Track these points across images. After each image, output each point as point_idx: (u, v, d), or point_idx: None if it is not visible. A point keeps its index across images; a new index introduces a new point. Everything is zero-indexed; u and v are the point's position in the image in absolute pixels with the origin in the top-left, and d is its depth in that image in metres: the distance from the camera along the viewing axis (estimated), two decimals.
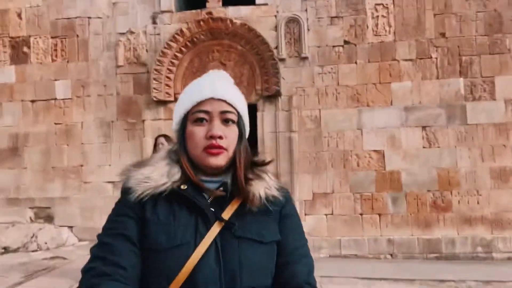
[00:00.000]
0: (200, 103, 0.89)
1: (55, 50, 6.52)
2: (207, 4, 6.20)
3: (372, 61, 5.91)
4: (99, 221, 5.91)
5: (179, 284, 0.79)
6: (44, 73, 6.52)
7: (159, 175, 0.86)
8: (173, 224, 0.84)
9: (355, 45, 5.95)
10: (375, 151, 5.86)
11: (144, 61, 6.25)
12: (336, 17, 5.99)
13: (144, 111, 6.19)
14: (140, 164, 0.92)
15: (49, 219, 6.40)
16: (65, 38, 6.50)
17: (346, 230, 5.84)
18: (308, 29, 6.02)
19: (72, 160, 6.39)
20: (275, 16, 6.07)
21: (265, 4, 6.09)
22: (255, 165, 0.96)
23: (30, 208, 6.44)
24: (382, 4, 5.92)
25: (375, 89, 5.89)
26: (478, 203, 5.64)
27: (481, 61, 5.72)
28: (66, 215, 6.33)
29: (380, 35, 5.92)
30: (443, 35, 5.81)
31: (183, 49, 6.12)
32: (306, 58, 5.99)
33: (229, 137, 0.89)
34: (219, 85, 0.92)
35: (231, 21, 5.97)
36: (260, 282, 0.86)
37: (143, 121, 6.18)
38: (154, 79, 6.03)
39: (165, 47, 6.02)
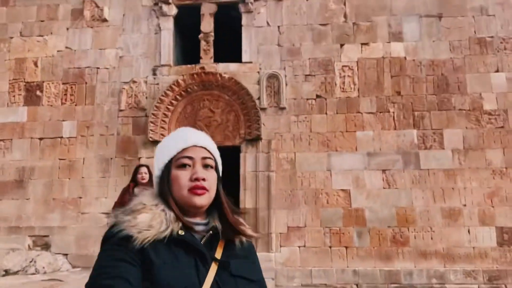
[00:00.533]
0: (184, 150, 0.98)
1: (65, 94, 7.42)
2: (201, 60, 7.25)
3: (340, 113, 6.90)
4: (93, 249, 6.55)
5: None
6: (53, 114, 7.37)
7: (159, 223, 0.90)
8: (178, 267, 0.88)
9: (325, 98, 6.97)
10: (342, 190, 6.69)
11: (144, 106, 7.16)
12: (309, 75, 7.05)
13: (140, 149, 7.00)
14: (132, 210, 0.93)
15: (46, 246, 6.96)
16: (75, 84, 7.44)
17: (316, 261, 6.51)
18: (286, 84, 7.05)
19: (72, 192, 7.07)
20: (258, 72, 7.12)
21: (250, 62, 7.16)
22: (234, 212, 1.05)
23: (29, 236, 7.00)
24: (348, 66, 7.02)
25: (342, 137, 6.83)
26: (431, 238, 6.40)
27: (431, 116, 6.75)
28: (63, 243, 6.90)
29: (346, 91, 6.96)
30: (398, 93, 6.88)
31: (178, 97, 7.07)
32: (284, 108, 6.96)
33: (209, 180, 0.97)
34: (199, 135, 1.04)
35: (220, 75, 6.99)
36: None
37: (139, 158, 6.96)
38: (151, 122, 6.91)
39: (162, 95, 6.97)
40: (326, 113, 6.92)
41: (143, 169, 4.45)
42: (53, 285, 5.44)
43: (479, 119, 6.69)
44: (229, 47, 7.34)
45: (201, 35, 7.30)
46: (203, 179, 0.95)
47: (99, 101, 7.34)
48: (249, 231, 1.05)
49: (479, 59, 6.83)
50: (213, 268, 0.92)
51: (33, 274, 6.08)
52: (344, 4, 7.18)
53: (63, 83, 7.46)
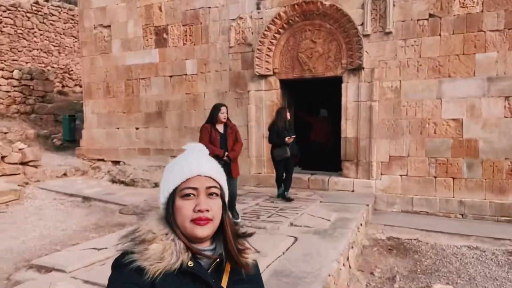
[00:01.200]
0: (188, 180, 0.96)
1: (185, 35, 8.37)
2: None
3: (457, 33, 6.15)
4: None
5: None
6: (178, 54, 8.49)
7: (170, 254, 0.91)
8: None
9: (440, 17, 6.24)
10: (453, 119, 6.26)
11: (250, 42, 7.62)
12: None
13: (249, 83, 7.66)
14: (143, 240, 0.93)
15: None
16: (192, 25, 8.28)
17: (419, 190, 6.52)
18: (394, 5, 6.50)
19: (197, 121, 8.32)
20: None
21: None
22: (238, 237, 1.05)
23: (170, 156, 8.72)
24: None
25: (458, 60, 6.17)
26: None
27: None
28: None
29: (467, 7, 6.07)
30: None
31: (280, 30, 7.28)
32: (390, 32, 6.55)
33: (213, 209, 0.97)
34: (204, 163, 1.01)
35: (321, 2, 6.84)
36: None
37: (248, 91, 7.67)
38: (256, 57, 7.38)
39: (265, 30, 7.27)
40: (440, 35, 6.26)
41: (224, 109, 4.72)
42: None
43: None
44: None
45: None
46: (207, 210, 0.95)
47: (212, 39, 8.08)
48: (250, 260, 1.03)
49: None
50: None
51: None
52: None
53: (183, 25, 8.38)
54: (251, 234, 1.08)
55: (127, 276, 0.88)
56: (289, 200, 6.12)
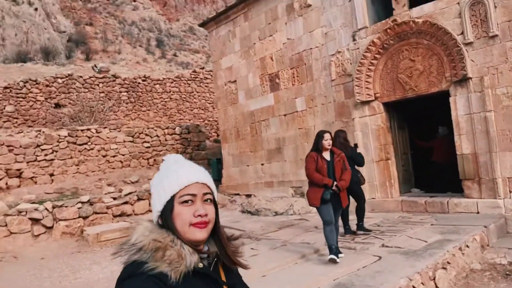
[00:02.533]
0: (186, 187, 1.03)
1: (293, 77, 9.28)
2: (394, 11, 7.22)
3: None
4: None
5: None
6: (288, 94, 9.42)
7: (184, 257, 0.97)
8: None
9: None
10: None
11: (350, 72, 7.96)
12: None
13: (352, 111, 7.91)
14: (152, 248, 0.96)
15: (302, 195, 9.20)
16: (298, 67, 9.15)
17: None
18: (495, 6, 5.98)
19: None
20: (458, 3, 6.36)
21: None
22: (228, 239, 1.13)
23: (290, 187, 9.47)
24: None
25: None
26: None
27: None
28: None
29: None
30: None
31: (376, 56, 7.42)
32: (495, 35, 5.98)
33: (210, 213, 1.04)
34: (199, 171, 1.09)
35: (413, 21, 6.77)
36: None
37: (353, 119, 7.91)
38: (356, 85, 7.64)
39: (362, 58, 7.52)
40: None
41: (327, 136, 4.49)
42: (299, 222, 7.46)
43: None
44: None
45: None
46: (205, 215, 1.02)
47: (316, 76, 8.73)
48: (244, 262, 1.13)
49: None
50: None
51: (291, 214, 8.39)
52: None
53: (290, 68, 9.33)
54: (237, 238, 1.18)
55: (149, 282, 0.91)
56: (367, 231, 5.61)
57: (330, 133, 4.66)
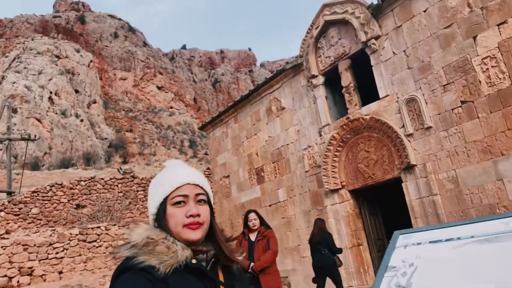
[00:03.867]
0: (178, 188, 1.04)
1: (275, 170, 10.12)
2: (348, 110, 8.23)
3: (494, 111, 5.95)
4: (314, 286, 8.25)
5: None
6: (272, 186, 10.16)
7: (175, 252, 0.97)
8: None
9: (472, 101, 6.22)
10: None
11: (319, 164, 8.73)
12: (447, 83, 6.57)
13: (324, 199, 8.48)
14: (144, 244, 0.98)
15: (289, 285, 9.29)
16: (278, 161, 10.05)
17: None
18: (426, 102, 6.85)
19: (294, 241, 9.27)
20: (397, 101, 7.31)
21: (387, 96, 7.48)
22: (227, 240, 1.14)
23: None
24: (489, 56, 6.07)
25: (505, 137, 5.80)
26: None
27: None
28: (296, 282, 9.04)
29: (495, 85, 5.97)
30: None
31: (338, 148, 8.25)
32: (430, 127, 6.73)
33: (203, 214, 1.04)
34: (191, 172, 1.10)
35: (363, 118, 7.70)
36: None
37: (326, 206, 8.43)
38: (324, 175, 8.35)
39: (326, 151, 8.36)
40: (478, 117, 6.14)
41: (252, 215, 4.41)
42: None
43: None
44: (372, 87, 7.97)
45: (343, 90, 8.38)
46: (198, 215, 1.03)
47: (293, 168, 9.54)
48: (241, 260, 1.12)
49: None
50: None
51: None
52: None
53: (272, 162, 10.24)
54: (236, 238, 1.21)
55: (139, 274, 0.92)
56: None
57: (256, 212, 4.52)
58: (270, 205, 10.18)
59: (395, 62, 7.42)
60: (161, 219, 1.06)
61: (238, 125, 11.68)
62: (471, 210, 6.10)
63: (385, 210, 8.58)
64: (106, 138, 58.26)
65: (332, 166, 8.31)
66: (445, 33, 6.68)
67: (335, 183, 8.23)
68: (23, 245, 12.11)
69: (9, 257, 11.77)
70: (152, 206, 1.08)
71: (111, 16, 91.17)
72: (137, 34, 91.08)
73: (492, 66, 6.02)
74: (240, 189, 11.37)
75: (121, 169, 27.54)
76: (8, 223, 16.93)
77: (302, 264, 8.94)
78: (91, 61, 64.97)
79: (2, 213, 17.04)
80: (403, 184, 7.08)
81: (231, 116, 11.98)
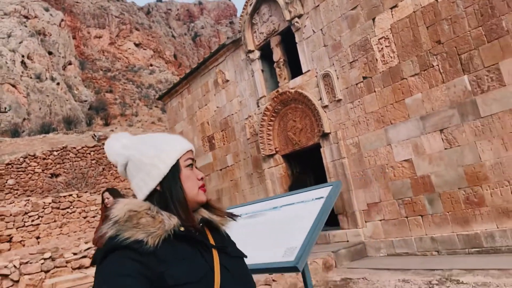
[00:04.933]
0: (187, 152, 1.06)
1: (223, 138, 11.11)
2: (279, 84, 9.11)
3: (386, 86, 6.94)
4: None
5: None
6: (221, 152, 11.20)
7: (161, 222, 0.93)
8: (189, 259, 0.94)
9: (371, 77, 7.18)
10: (405, 160, 6.70)
11: (257, 132, 9.74)
12: (353, 61, 7.48)
13: (263, 163, 9.59)
14: (128, 219, 0.93)
15: None
16: (226, 129, 11.01)
17: (397, 232, 6.84)
18: (337, 77, 7.78)
19: (240, 200, 10.48)
20: (316, 76, 8.21)
21: (308, 71, 8.36)
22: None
23: None
24: (384, 37, 6.95)
25: (393, 108, 6.85)
26: None
27: (481, 53, 5.70)
28: None
29: (387, 62, 6.92)
30: (438, 42, 6.19)
31: (272, 118, 9.22)
32: (340, 99, 7.73)
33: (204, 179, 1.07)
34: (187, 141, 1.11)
35: (289, 91, 8.62)
36: None
37: (264, 170, 9.56)
38: (260, 142, 9.39)
39: (261, 121, 9.33)
40: (374, 91, 7.14)
41: (106, 194, 4.48)
42: None
43: None
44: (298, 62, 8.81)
45: (274, 64, 9.20)
46: (202, 178, 1.07)
47: (238, 136, 10.55)
48: (229, 213, 1.15)
49: None
50: (215, 255, 0.99)
51: None
52: None
53: (221, 131, 11.20)
54: (211, 201, 1.16)
55: (125, 256, 0.87)
56: None
57: (112, 191, 4.52)
58: (220, 169, 11.28)
59: (314, 39, 8.23)
60: (174, 181, 1.01)
61: (191, 96, 12.45)
62: (368, 170, 7.28)
63: (315, 171, 9.77)
64: (85, 101, 57.54)
65: (267, 134, 9.32)
66: (351, 14, 7.47)
67: (270, 149, 9.29)
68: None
69: None
70: (163, 167, 1.01)
71: None
72: None
73: (386, 46, 6.93)
74: (196, 156, 12.36)
75: (95, 136, 28.05)
76: None
77: None
78: (62, 19, 62.36)
79: None
80: (321, 149, 8.18)
81: (184, 87, 12.70)
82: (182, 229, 0.96)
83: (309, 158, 9.36)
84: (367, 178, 7.31)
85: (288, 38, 9.00)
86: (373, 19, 7.11)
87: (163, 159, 1.02)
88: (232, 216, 1.15)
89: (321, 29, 8.08)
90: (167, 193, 1.00)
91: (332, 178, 7.95)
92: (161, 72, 74.01)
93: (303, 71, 8.49)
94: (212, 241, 1.04)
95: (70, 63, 60.66)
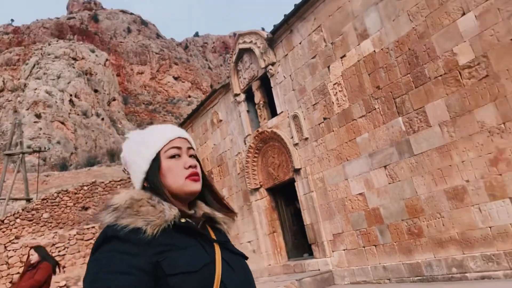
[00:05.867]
0: (170, 142, 1.01)
1: (220, 172, 12.07)
2: (260, 124, 10.03)
3: (341, 126, 7.67)
4: None
5: None
6: (219, 186, 12.11)
7: (162, 212, 0.91)
8: (189, 250, 0.91)
9: (329, 118, 7.94)
10: (359, 194, 7.31)
11: (244, 167, 10.62)
12: (315, 103, 8.29)
13: (250, 196, 10.41)
14: (128, 206, 0.92)
15: None
16: (221, 165, 11.99)
17: (357, 261, 7.36)
18: (304, 118, 8.60)
19: (233, 231, 11.28)
20: (288, 117, 9.07)
21: (282, 112, 9.25)
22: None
23: None
24: (337, 83, 7.75)
25: (348, 146, 7.53)
26: (443, 225, 5.90)
27: (410, 97, 6.35)
28: None
29: (341, 105, 7.67)
30: (378, 87, 6.90)
31: (256, 155, 10.11)
32: (307, 138, 8.50)
33: (198, 168, 1.03)
34: (178, 128, 1.07)
35: (267, 131, 9.51)
36: None
37: (251, 202, 10.37)
38: (246, 177, 10.25)
39: (246, 157, 10.23)
40: (333, 131, 7.87)
41: (31, 251, 4.59)
42: None
43: (458, 78, 5.68)
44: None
45: (256, 106, 10.17)
46: (196, 166, 1.01)
47: (230, 171, 11.48)
48: (232, 211, 1.11)
49: (441, 12, 5.88)
50: (217, 249, 0.97)
51: None
52: (321, 31, 8.09)
53: (218, 166, 12.19)
54: (223, 198, 1.16)
55: (120, 246, 0.86)
56: None
57: (36, 248, 4.70)
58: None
59: (286, 84, 9.14)
60: (154, 176, 0.99)
61: (194, 134, 13.62)
62: (332, 203, 7.91)
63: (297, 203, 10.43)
64: None
65: (252, 169, 10.19)
66: (312, 62, 8.35)
67: (255, 183, 10.13)
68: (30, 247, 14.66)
69: (19, 257, 14.34)
70: (139, 168, 1.01)
71: (123, 12, 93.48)
72: (149, 27, 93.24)
73: (339, 91, 7.70)
74: None
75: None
76: (23, 228, 19.70)
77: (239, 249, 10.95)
78: (107, 59, 67.56)
79: (18, 220, 19.81)
80: (295, 183, 8.91)
81: (188, 126, 13.93)
82: (183, 220, 0.95)
83: (291, 190, 10.07)
84: (331, 210, 7.93)
85: (266, 82, 9.98)
86: (328, 67, 7.94)
87: (143, 154, 1.01)
88: (232, 215, 1.12)
89: (290, 75, 9.00)
90: (154, 188, 0.99)
91: (306, 210, 8.62)
92: (198, 102, 77.04)
93: (278, 112, 9.38)
94: (213, 235, 1.02)
95: (114, 99, 65.15)
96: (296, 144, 8.80)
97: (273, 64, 9.41)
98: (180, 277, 0.85)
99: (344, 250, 7.66)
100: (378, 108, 6.91)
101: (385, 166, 6.81)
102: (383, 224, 6.84)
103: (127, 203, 0.93)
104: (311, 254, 8.87)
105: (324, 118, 8.08)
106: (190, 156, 1.04)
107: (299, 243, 10.04)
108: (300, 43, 8.65)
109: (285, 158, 9.21)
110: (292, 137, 8.91)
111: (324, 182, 8.11)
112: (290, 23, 8.77)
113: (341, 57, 7.63)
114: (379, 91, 6.89)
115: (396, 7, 6.54)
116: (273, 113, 9.98)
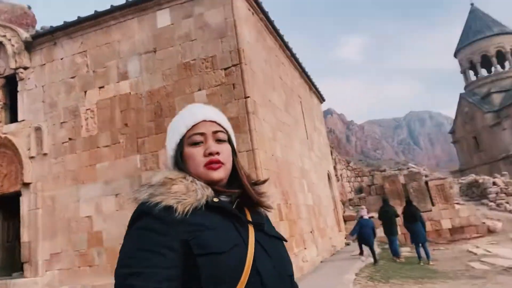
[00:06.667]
0: (194, 127, 0.98)
1: None
2: None
3: (85, 150, 8.06)
4: None
5: (243, 284, 0.84)
6: None
7: (195, 191, 0.91)
8: (221, 229, 0.89)
9: (75, 140, 8.19)
10: (87, 216, 7.79)
11: None
12: (64, 122, 8.36)
13: None
14: (162, 184, 0.93)
15: None
16: None
17: (70, 281, 7.65)
18: (48, 133, 8.43)
19: None
20: (30, 127, 8.61)
21: (23, 120, 8.70)
22: (254, 184, 1.05)
23: None
24: (90, 109, 8.18)
25: (87, 170, 7.97)
26: None
27: (150, 140, 7.59)
28: None
29: (89, 131, 8.11)
30: (126, 125, 7.84)
31: None
32: (46, 154, 8.34)
33: (224, 153, 0.98)
34: (208, 109, 1.03)
35: (0, 136, 8.62)
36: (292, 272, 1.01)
37: None
38: None
39: None
40: (76, 152, 8.14)
41: None
42: None
43: None
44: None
45: None
46: (217, 153, 0.97)
47: None
48: (267, 203, 1.05)
49: (186, 82, 7.53)
50: (251, 230, 0.94)
51: None
52: (86, 56, 8.41)
53: None
54: (264, 181, 1.10)
55: (152, 223, 0.86)
56: None
57: None
58: None
59: (35, 93, 8.74)
60: (179, 162, 1.00)
61: None
62: (58, 222, 8.00)
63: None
64: None
65: None
66: (70, 82, 8.47)
67: None
68: None
69: None
70: (170, 148, 1.02)
71: None
72: None
73: (91, 117, 8.15)
74: None
75: None
76: None
77: None
78: None
79: None
80: (21, 198, 8.41)
81: None
82: (216, 200, 0.93)
83: (14, 204, 9.32)
84: (56, 230, 7.98)
85: (14, 84, 9.15)
86: (85, 92, 8.29)
87: (170, 140, 1.03)
88: (265, 206, 1.06)
89: (43, 86, 8.70)
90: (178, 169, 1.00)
91: (26, 227, 8.23)
92: None
93: (19, 119, 8.76)
94: (249, 217, 0.99)
95: None
96: (32, 157, 8.44)
97: (25, 68, 8.85)
98: (208, 258, 0.84)
99: (59, 269, 7.81)
100: (123, 142, 7.80)
101: (116, 195, 7.65)
102: (102, 246, 7.55)
103: (161, 181, 0.93)
104: (23, 273, 8.44)
105: (70, 139, 8.25)
106: (217, 140, 1.00)
107: (12, 261, 9.30)
108: (61, 59, 8.63)
109: (16, 169, 8.59)
110: (29, 149, 8.50)
111: (54, 201, 8.12)
112: (56, 36, 8.65)
113: (100, 87, 8.19)
114: (127, 128, 7.83)
115: (155, 64, 7.82)
116: (14, 119, 9.20)
